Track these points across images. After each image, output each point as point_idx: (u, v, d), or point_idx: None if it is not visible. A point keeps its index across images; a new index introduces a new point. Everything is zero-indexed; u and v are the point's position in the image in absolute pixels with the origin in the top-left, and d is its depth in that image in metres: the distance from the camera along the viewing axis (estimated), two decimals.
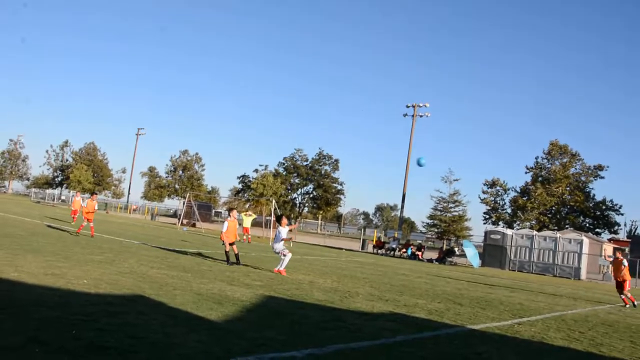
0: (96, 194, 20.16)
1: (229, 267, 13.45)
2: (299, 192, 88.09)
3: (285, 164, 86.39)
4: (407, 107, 54.67)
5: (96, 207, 18.46)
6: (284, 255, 13.49)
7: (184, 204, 50.06)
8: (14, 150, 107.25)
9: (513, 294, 15.44)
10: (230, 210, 16.79)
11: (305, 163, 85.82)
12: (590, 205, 60.12)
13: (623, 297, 15.32)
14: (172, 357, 4.72)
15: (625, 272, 15.19)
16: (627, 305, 15.01)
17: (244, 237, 29.69)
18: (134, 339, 5.20)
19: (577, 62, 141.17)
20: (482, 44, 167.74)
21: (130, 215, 63.39)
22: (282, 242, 13.63)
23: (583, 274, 30.94)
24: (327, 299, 9.70)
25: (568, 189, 60.57)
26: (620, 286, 15.40)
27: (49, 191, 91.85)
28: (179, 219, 46.56)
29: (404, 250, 35.30)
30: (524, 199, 61.25)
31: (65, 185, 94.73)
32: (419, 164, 12.05)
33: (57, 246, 13.52)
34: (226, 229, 14.67)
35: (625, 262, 15.37)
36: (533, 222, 59.58)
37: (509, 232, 35.04)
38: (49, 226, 21.66)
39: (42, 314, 5.79)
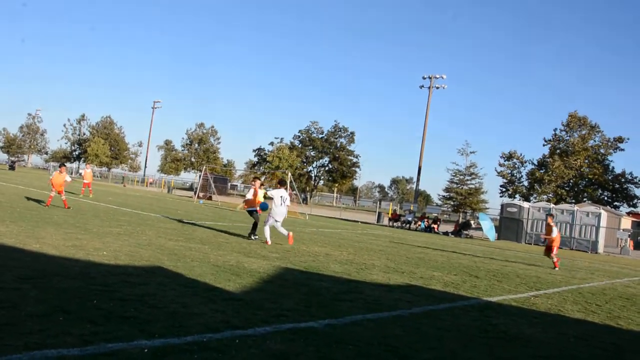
0: (65, 165, 19.33)
1: (247, 240, 13.52)
2: (314, 165, 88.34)
3: (301, 137, 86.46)
4: (424, 78, 54.00)
5: (67, 179, 17.79)
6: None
7: (200, 177, 50.42)
8: (32, 124, 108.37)
9: (529, 267, 15.41)
10: (255, 179, 16.67)
11: (321, 136, 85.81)
12: (609, 178, 59.46)
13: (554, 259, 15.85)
14: (190, 326, 4.80)
15: (554, 237, 15.72)
16: (557, 268, 15.49)
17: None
18: (154, 308, 5.29)
19: (597, 32, 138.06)
20: (500, 13, 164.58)
21: (147, 189, 64.02)
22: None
23: (600, 248, 30.74)
24: (343, 271, 9.76)
25: (587, 161, 59.86)
26: (548, 249, 16.10)
27: (68, 165, 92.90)
28: (195, 192, 46.92)
29: (419, 223, 35.29)
30: (542, 171, 60.72)
31: (83, 158, 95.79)
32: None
33: (77, 218, 13.72)
34: (251, 196, 14.37)
35: (555, 229, 15.85)
36: (550, 195, 59.15)
37: (525, 205, 34.81)
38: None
39: (64, 284, 5.91)
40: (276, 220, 13.27)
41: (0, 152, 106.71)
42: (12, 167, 75.72)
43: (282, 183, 14.16)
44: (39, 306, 4.87)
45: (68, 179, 17.85)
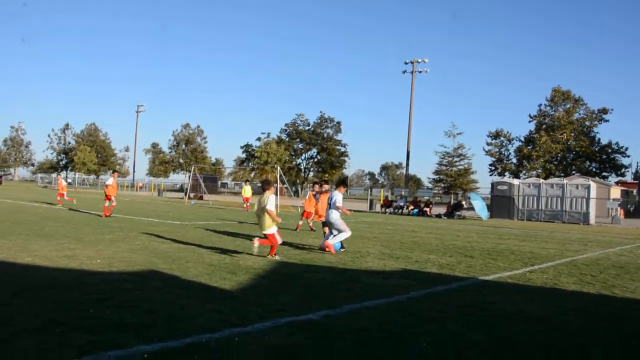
0: (117, 171, 21.57)
1: (240, 237, 13.49)
2: (303, 157, 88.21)
3: (288, 130, 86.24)
4: (406, 63, 54.05)
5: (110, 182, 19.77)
6: (339, 231, 11.16)
7: (189, 177, 50.19)
8: (16, 137, 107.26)
9: (523, 243, 15.52)
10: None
11: (307, 128, 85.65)
12: (596, 149, 59.90)
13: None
14: (189, 328, 4.78)
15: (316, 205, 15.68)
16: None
17: (244, 205, 31.09)
18: (151, 313, 5.27)
19: (573, 8, 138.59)
20: None
21: (137, 193, 63.62)
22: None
23: (592, 219, 30.99)
24: (338, 261, 9.77)
25: (573, 134, 60.24)
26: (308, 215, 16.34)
27: (55, 175, 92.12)
28: (185, 193, 46.72)
29: (412, 207, 35.39)
30: (529, 148, 61.02)
31: (70, 167, 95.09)
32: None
33: (68, 228, 13.62)
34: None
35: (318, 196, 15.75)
36: (539, 171, 59.49)
37: (515, 182, 34.97)
38: (72, 209, 21.86)
39: (59, 295, 5.87)
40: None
41: None
42: None
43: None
44: (35, 320, 4.83)
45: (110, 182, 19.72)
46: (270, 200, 9.63)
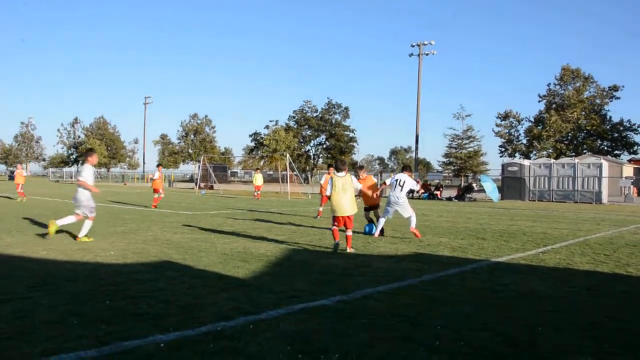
0: (161, 165, 23.20)
1: (252, 225, 13.55)
2: (311, 144, 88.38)
3: (296, 117, 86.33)
4: (412, 46, 53.68)
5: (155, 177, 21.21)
6: (409, 214, 11.27)
7: (199, 167, 50.35)
8: (26, 132, 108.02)
9: (535, 224, 15.46)
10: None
11: (315, 114, 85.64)
12: (607, 127, 59.33)
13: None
14: (204, 316, 4.83)
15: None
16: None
17: (255, 194, 31.07)
18: (166, 303, 5.32)
19: None
20: None
21: (148, 185, 63.97)
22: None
23: (604, 198, 30.78)
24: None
25: (583, 113, 59.68)
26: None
27: (66, 169, 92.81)
28: (196, 183, 46.97)
29: (422, 191, 35.31)
30: (539, 128, 60.61)
31: (80, 161, 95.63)
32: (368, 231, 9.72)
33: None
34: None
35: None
36: (550, 151, 59.11)
37: (526, 162, 34.77)
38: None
39: (75, 288, 5.94)
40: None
41: None
42: (11, 177, 75.63)
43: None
44: (53, 312, 4.90)
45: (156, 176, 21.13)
46: (355, 180, 9.60)
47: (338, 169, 9.37)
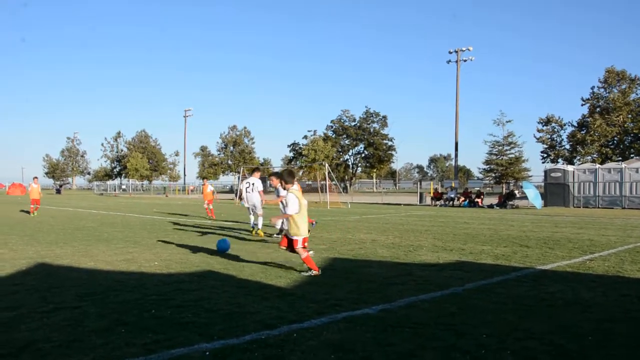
0: (207, 178, 24.69)
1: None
2: (350, 153, 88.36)
3: (334, 127, 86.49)
4: (450, 52, 53.22)
5: (210, 189, 23.07)
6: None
7: (239, 179, 50.96)
8: (72, 147, 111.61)
9: (581, 231, 15.04)
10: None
11: (353, 123, 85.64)
12: None
13: None
14: (247, 325, 4.87)
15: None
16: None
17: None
18: (210, 312, 5.39)
19: None
20: None
21: (189, 196, 65.04)
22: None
23: None
24: (391, 255, 9.73)
25: (630, 116, 57.80)
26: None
27: (110, 182, 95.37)
28: (236, 194, 47.52)
29: (463, 199, 34.83)
30: (583, 132, 59.04)
31: (123, 174, 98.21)
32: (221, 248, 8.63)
33: (125, 233, 14.07)
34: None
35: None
36: (595, 156, 57.45)
37: (570, 168, 33.90)
38: (154, 216, 22.58)
39: (121, 297, 6.08)
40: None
41: (46, 177, 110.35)
42: (58, 191, 78.29)
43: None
44: (101, 321, 5.03)
45: (210, 188, 22.93)
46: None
47: (288, 182, 7.88)
